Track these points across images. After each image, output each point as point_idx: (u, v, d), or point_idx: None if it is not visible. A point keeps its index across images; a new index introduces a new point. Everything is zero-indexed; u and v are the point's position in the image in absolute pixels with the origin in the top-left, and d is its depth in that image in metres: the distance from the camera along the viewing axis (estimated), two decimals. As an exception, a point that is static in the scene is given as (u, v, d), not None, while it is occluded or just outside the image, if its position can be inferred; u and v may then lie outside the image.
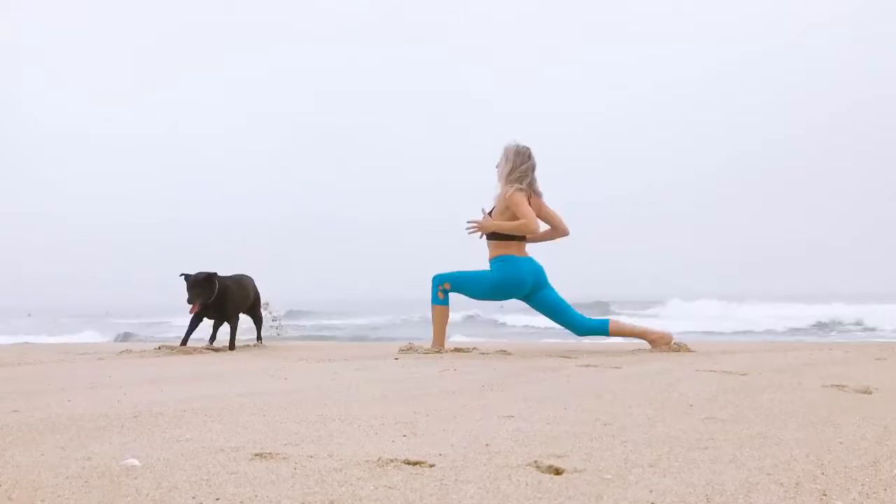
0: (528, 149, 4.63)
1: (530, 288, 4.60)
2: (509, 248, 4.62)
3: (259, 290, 5.88)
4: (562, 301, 4.66)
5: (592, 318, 4.67)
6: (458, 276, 4.68)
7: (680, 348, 4.43)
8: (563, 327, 4.72)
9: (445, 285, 4.67)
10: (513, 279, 4.56)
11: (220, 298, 5.20)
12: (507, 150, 4.64)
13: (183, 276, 5.14)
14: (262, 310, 5.96)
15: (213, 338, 5.53)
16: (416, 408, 2.20)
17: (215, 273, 5.19)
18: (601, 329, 4.59)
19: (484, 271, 4.68)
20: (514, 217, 4.52)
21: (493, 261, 4.65)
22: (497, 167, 4.70)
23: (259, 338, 5.92)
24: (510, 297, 4.69)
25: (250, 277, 5.80)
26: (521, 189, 4.52)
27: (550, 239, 4.82)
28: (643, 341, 4.71)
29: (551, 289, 4.68)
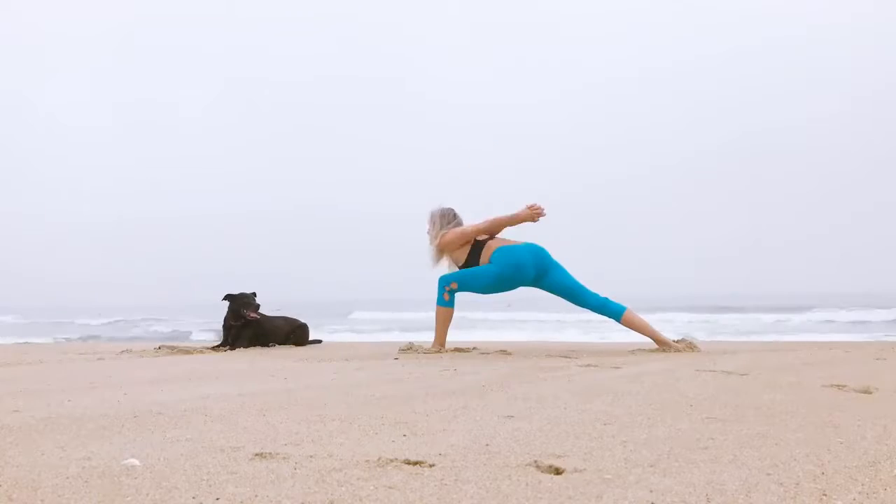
0: (451, 209, 4.86)
1: (534, 271, 4.60)
2: (504, 241, 4.73)
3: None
4: (574, 282, 4.65)
5: (611, 300, 4.64)
6: (462, 275, 4.70)
7: (684, 349, 4.41)
8: (579, 307, 4.73)
9: (452, 285, 4.68)
10: (513, 266, 4.57)
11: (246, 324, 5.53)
12: (432, 214, 4.86)
13: (228, 296, 5.54)
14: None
15: (232, 347, 5.52)
16: (416, 408, 2.20)
17: (254, 294, 5.58)
18: (615, 314, 4.59)
19: (486, 265, 4.68)
20: (464, 252, 4.71)
21: (492, 255, 4.68)
22: (428, 233, 4.85)
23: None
24: (517, 286, 4.69)
25: (297, 324, 5.95)
26: (445, 231, 4.73)
27: (509, 224, 4.77)
28: (644, 341, 4.71)
29: (560, 270, 4.66)
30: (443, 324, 4.71)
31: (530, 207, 4.65)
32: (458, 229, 4.73)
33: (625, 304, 4.63)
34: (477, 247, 4.71)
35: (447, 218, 4.80)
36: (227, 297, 5.54)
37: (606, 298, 4.64)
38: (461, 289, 4.70)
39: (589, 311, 4.71)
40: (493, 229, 4.72)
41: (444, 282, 4.71)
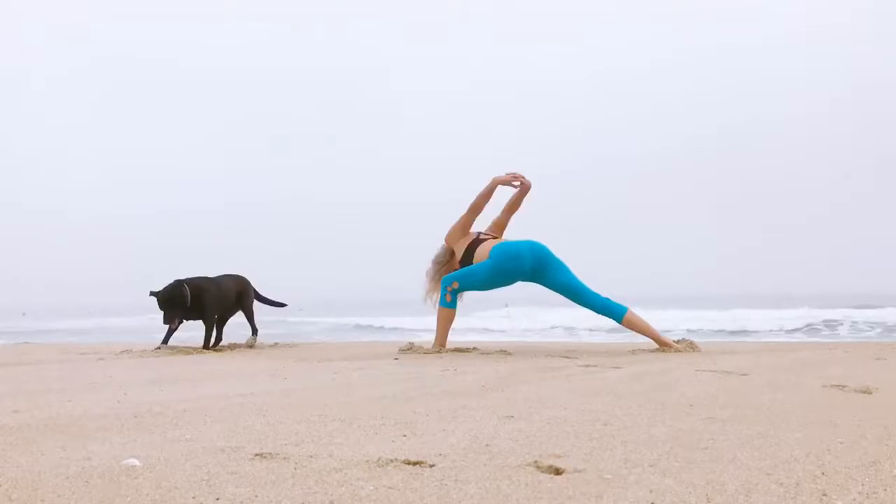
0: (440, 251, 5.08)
1: (531, 264, 4.63)
2: (504, 240, 4.82)
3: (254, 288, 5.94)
4: (576, 282, 4.66)
5: (612, 300, 4.65)
6: (462, 273, 4.74)
7: (684, 349, 4.41)
8: (581, 306, 4.75)
9: (454, 284, 4.71)
10: (509, 258, 4.62)
11: (196, 301, 5.28)
12: (434, 257, 5.05)
13: (152, 294, 5.19)
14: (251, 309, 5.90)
15: (218, 339, 5.53)
16: (416, 408, 2.20)
17: (182, 282, 5.25)
18: (616, 315, 4.61)
19: (483, 261, 4.72)
20: (463, 244, 4.89)
21: (490, 251, 4.72)
22: (428, 273, 5.01)
23: (253, 332, 5.85)
24: (514, 279, 4.72)
25: (239, 278, 5.84)
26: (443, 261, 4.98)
27: (490, 191, 4.92)
28: (644, 341, 4.71)
29: (563, 269, 4.68)
30: (444, 324, 4.73)
31: (509, 174, 4.90)
32: (456, 223, 4.91)
33: (626, 305, 4.64)
34: (473, 245, 4.79)
35: (440, 256, 5.02)
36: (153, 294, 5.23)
37: (608, 299, 4.64)
38: (462, 287, 4.73)
39: (591, 310, 4.72)
40: (479, 205, 4.88)
41: (446, 282, 4.74)
